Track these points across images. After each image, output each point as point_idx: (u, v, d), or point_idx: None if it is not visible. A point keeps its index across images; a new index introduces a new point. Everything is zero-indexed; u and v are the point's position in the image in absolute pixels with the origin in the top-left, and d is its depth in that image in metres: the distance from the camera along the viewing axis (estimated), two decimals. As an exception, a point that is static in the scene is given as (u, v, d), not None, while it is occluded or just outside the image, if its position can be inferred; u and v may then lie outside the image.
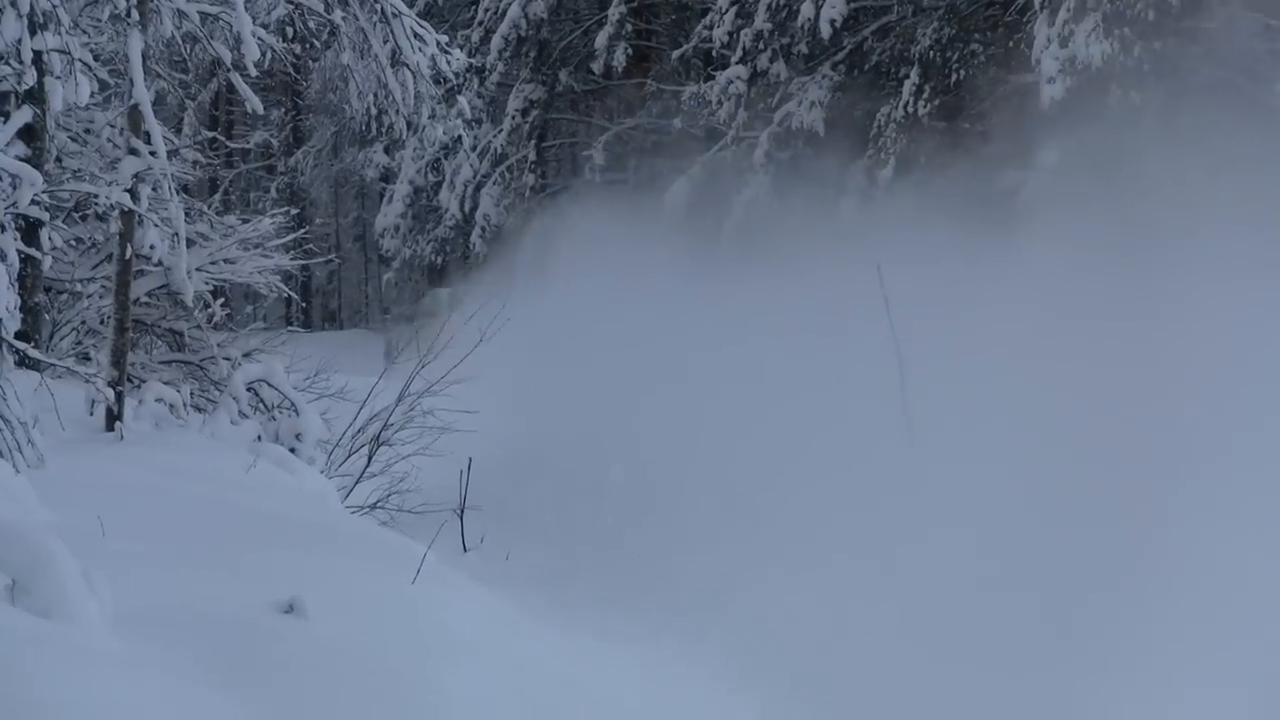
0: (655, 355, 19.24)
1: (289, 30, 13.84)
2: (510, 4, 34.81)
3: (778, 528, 13.24)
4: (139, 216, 11.40)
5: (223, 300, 13.97)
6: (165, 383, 12.61)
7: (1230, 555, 11.67)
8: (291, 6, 13.35)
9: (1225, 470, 12.83)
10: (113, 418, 11.25)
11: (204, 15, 11.62)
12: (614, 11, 33.35)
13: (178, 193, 11.95)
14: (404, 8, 13.13)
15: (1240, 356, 14.94)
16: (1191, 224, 18.05)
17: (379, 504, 14.00)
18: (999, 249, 19.27)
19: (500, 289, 14.96)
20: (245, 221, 14.22)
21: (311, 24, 13.96)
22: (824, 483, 13.93)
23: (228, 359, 13.28)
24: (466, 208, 35.32)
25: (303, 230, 17.11)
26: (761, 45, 29.12)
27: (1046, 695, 9.90)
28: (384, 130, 35.13)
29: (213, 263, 13.49)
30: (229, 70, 11.54)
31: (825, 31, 27.84)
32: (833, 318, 18.05)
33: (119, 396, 11.24)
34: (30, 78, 10.34)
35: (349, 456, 14.34)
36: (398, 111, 13.74)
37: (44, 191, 11.18)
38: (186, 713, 5.15)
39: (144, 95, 11.08)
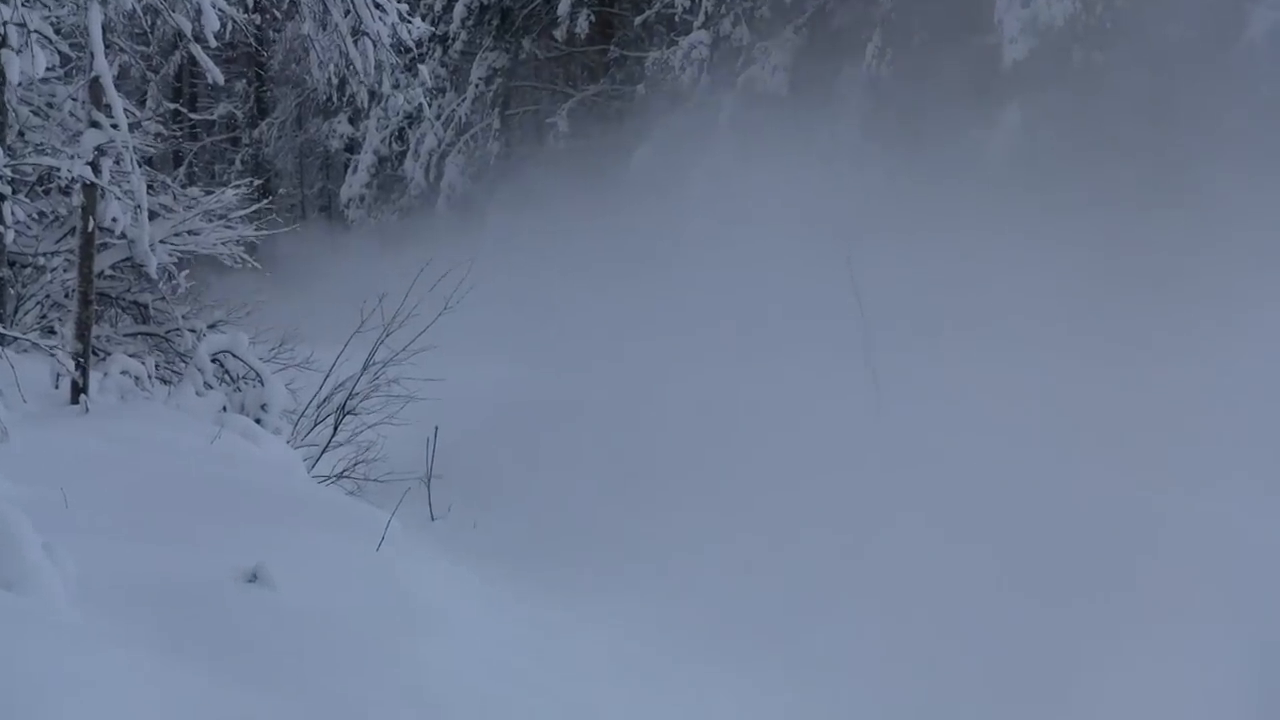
0: (622, 322, 19.27)
1: (249, 1, 13.80)
2: (472, -29, 34.76)
3: (745, 496, 13.27)
4: (101, 189, 11.38)
5: (187, 272, 13.95)
6: (130, 355, 12.59)
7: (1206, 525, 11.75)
8: (251, -24, 13.34)
9: (1210, 434, 12.90)
10: (77, 391, 11.24)
11: (163, -14, 11.60)
12: (576, -23, 33.30)
13: (141, 165, 11.92)
14: (363, -23, 13.12)
15: (1209, 308, 15.02)
16: (1155, 182, 18.15)
17: (345, 473, 13.99)
18: (963, 210, 19.33)
19: (465, 257, 14.88)
20: (209, 193, 14.17)
21: (272, -6, 13.93)
22: (793, 453, 13.98)
23: (192, 331, 13.28)
24: (431, 176, 35.24)
25: (267, 201, 17.02)
26: (724, 10, 29.12)
27: (1017, 664, 9.96)
28: (347, 100, 35.06)
29: (176, 235, 13.46)
30: (190, 42, 11.50)
31: (787, -6, 27.86)
32: (799, 283, 18.10)
33: (83, 370, 11.23)
34: (-12, 51, 10.30)
35: (315, 426, 14.31)
36: (360, 81, 13.73)
37: (5, 165, 11.17)
38: (150, 684, 5.17)
39: (105, 68, 11.05)
